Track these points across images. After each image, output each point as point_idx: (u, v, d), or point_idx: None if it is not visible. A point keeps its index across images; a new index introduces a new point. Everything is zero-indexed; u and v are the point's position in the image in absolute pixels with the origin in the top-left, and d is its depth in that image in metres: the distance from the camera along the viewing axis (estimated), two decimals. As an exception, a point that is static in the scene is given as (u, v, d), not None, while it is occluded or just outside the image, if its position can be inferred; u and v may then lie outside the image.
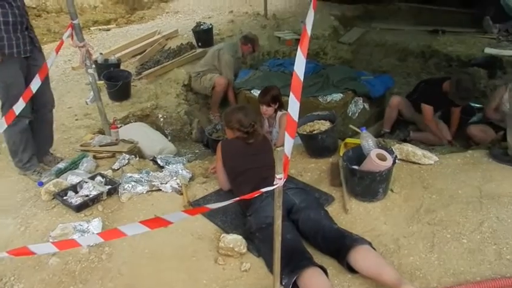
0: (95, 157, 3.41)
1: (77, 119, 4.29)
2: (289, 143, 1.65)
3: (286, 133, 1.65)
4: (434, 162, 3.06)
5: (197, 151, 4.50)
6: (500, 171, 2.91)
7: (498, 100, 3.98)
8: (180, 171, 3.16)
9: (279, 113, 3.76)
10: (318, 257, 2.23)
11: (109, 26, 7.94)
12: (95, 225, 2.50)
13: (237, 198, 1.74)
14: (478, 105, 4.61)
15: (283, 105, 3.79)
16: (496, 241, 2.29)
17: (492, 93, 4.43)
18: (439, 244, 2.30)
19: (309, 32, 1.64)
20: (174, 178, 3.03)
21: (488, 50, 5.79)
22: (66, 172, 3.15)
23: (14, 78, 2.88)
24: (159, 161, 3.44)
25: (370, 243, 2.18)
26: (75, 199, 2.73)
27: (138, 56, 5.93)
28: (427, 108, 4.12)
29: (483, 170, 2.94)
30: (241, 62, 5.54)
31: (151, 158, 3.60)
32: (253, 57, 5.90)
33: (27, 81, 2.87)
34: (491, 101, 4.06)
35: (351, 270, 2.13)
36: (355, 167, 2.75)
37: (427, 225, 2.46)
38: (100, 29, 7.72)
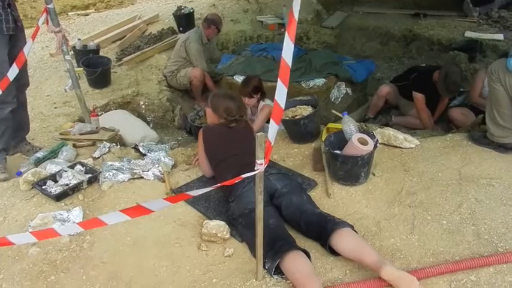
0: (74, 146, 3.35)
1: (55, 107, 4.20)
2: (273, 129, 1.64)
3: (271, 120, 1.64)
4: (416, 145, 3.09)
5: (180, 138, 4.47)
6: (479, 154, 2.96)
7: (481, 84, 4.02)
8: (163, 159, 3.13)
9: (262, 103, 3.74)
10: (301, 240, 2.25)
11: (88, 11, 7.76)
12: (76, 214, 2.47)
13: (218, 185, 1.74)
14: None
15: (265, 94, 3.77)
16: (474, 222, 2.34)
17: (473, 77, 4.48)
18: (419, 226, 2.34)
19: (296, 16, 1.61)
20: (156, 165, 3.00)
21: (469, 34, 5.84)
22: (45, 161, 3.09)
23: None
24: (140, 149, 3.39)
25: (352, 226, 2.20)
26: (54, 188, 2.68)
27: (118, 42, 5.81)
28: (419, 97, 4.14)
29: (463, 152, 2.99)
30: (212, 47, 5.39)
31: (132, 146, 3.55)
32: (221, 42, 5.73)
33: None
34: (474, 87, 4.10)
35: (333, 253, 2.15)
36: (337, 151, 2.76)
37: (407, 208, 2.49)
38: (78, 14, 7.54)
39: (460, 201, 2.50)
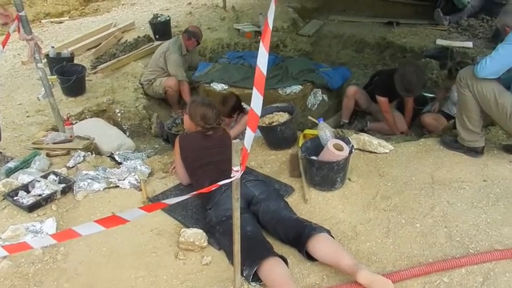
0: (48, 155, 3.28)
1: (28, 116, 4.10)
2: (249, 136, 1.65)
3: (247, 127, 1.65)
4: (390, 150, 3.15)
5: (157, 146, 4.43)
6: (451, 158, 3.04)
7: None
8: (139, 167, 3.10)
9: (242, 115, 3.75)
10: (278, 247, 2.26)
11: (62, 19, 7.63)
12: (49, 225, 2.41)
13: (195, 193, 1.73)
14: (430, 95, 4.79)
15: (243, 110, 3.77)
16: (446, 224, 2.40)
17: (443, 84, 4.62)
18: (393, 229, 2.38)
19: (270, 25, 1.64)
20: (132, 174, 2.97)
21: (440, 42, 6.01)
22: (17, 171, 3.01)
23: None
24: (116, 157, 3.36)
25: (328, 231, 2.23)
26: (26, 199, 2.62)
27: (93, 50, 5.74)
28: (382, 100, 4.24)
29: (435, 157, 3.07)
30: (191, 56, 5.38)
31: (108, 155, 3.50)
32: (198, 50, 5.75)
33: None
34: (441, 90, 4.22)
35: (311, 258, 2.17)
36: (314, 157, 2.79)
37: (382, 212, 2.54)
38: (52, 22, 7.40)
39: (432, 204, 2.56)
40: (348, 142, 2.78)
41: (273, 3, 1.69)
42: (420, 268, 2.05)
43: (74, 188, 2.78)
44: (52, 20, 7.54)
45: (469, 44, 5.82)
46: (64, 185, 2.78)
